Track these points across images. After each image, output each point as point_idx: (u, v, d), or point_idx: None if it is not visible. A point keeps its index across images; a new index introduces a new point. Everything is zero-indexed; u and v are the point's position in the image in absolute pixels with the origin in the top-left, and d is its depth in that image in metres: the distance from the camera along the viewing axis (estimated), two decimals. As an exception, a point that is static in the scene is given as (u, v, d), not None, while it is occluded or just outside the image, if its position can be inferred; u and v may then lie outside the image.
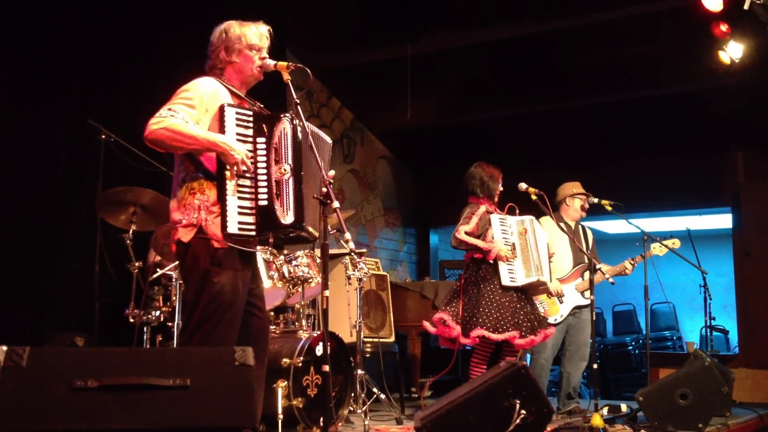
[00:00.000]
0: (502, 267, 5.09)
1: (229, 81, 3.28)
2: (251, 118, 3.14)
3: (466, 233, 5.13)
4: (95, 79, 5.37)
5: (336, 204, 2.98)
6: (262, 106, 3.34)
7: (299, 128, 3.13)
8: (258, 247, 3.33)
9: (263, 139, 3.12)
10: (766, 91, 7.31)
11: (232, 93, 3.24)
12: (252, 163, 3.09)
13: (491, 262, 5.11)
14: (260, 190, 3.09)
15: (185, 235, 3.10)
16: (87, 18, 5.32)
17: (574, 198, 5.95)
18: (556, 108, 8.64)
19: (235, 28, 3.27)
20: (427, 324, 5.31)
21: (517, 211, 5.32)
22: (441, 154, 9.71)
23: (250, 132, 3.12)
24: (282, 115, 3.16)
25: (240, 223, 3.05)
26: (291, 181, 3.09)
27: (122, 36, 5.51)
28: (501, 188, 5.33)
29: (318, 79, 8.11)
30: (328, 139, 3.50)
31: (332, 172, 3.34)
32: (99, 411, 2.31)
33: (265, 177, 3.09)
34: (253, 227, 3.08)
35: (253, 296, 3.29)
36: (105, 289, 4.79)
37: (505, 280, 5.07)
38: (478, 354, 5.20)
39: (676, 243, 5.81)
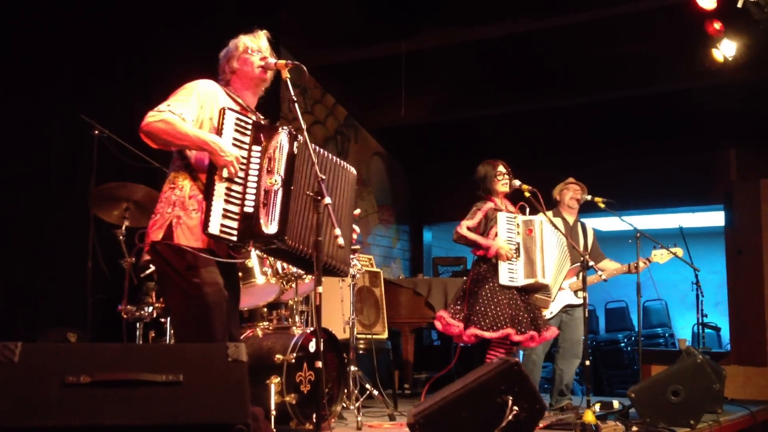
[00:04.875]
0: (502, 266, 5.05)
1: (235, 91, 3.32)
2: (250, 126, 3.16)
3: (468, 228, 5.12)
4: (88, 74, 5.35)
5: (327, 200, 2.98)
6: (263, 118, 3.36)
7: (296, 143, 3.13)
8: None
9: (258, 148, 3.12)
10: (760, 89, 7.34)
11: (234, 100, 3.28)
12: (244, 169, 3.09)
13: (492, 260, 5.09)
14: (248, 196, 3.07)
15: (156, 234, 3.10)
16: (80, 11, 5.30)
17: (563, 191, 5.95)
18: (549, 106, 8.65)
19: (234, 40, 3.35)
20: (436, 322, 5.29)
21: (528, 211, 5.28)
22: (435, 151, 9.72)
23: (246, 139, 3.13)
24: (281, 128, 3.17)
25: (222, 225, 3.02)
26: (280, 192, 3.08)
27: (116, 30, 5.49)
28: (505, 183, 5.18)
29: (312, 76, 8.02)
30: (352, 170, 3.46)
31: (357, 210, 3.35)
32: (91, 407, 2.32)
33: (255, 185, 3.08)
34: (234, 232, 3.04)
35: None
36: (98, 285, 4.77)
37: (504, 280, 5.03)
38: (494, 350, 5.08)
39: (678, 252, 5.76)
